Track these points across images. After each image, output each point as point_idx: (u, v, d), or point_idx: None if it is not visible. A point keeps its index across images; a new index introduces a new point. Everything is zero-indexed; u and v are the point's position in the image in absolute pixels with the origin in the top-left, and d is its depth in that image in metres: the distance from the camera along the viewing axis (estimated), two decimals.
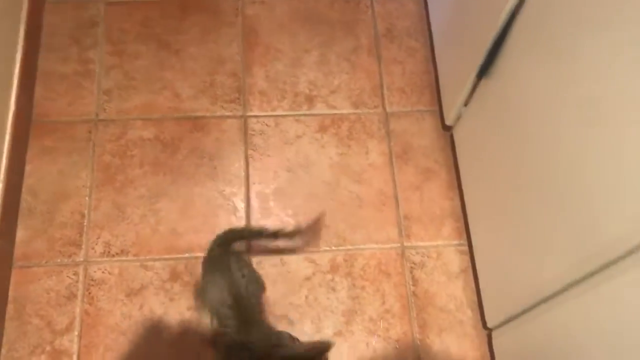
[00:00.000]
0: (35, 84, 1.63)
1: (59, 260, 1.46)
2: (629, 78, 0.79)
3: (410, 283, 1.51)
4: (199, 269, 1.46)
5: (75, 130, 1.60)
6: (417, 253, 1.54)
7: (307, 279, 1.49)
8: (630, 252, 0.83)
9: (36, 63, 1.65)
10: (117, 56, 1.69)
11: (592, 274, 0.93)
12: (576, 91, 0.93)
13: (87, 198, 1.53)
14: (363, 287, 1.49)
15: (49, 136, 1.58)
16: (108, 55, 1.69)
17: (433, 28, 1.73)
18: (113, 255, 1.48)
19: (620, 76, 0.81)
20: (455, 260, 1.54)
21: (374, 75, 1.74)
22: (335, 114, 1.68)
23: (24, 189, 1.52)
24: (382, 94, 1.72)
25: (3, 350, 1.37)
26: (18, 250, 1.46)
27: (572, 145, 0.95)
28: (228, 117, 1.65)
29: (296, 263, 1.50)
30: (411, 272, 1.52)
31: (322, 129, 1.66)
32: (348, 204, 1.58)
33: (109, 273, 1.46)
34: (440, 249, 1.55)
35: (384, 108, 1.70)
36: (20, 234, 1.48)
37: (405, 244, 1.55)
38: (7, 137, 1.48)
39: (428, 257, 1.54)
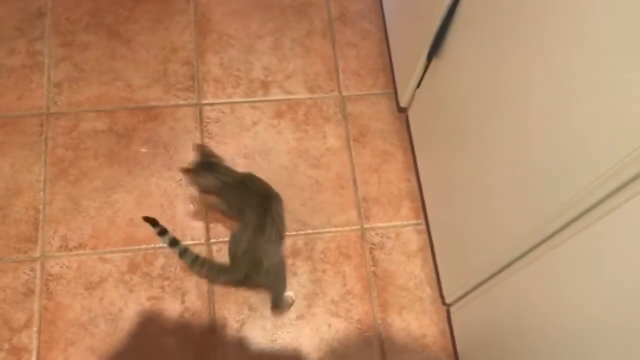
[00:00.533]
0: None
1: (14, 257, 1.44)
2: (565, 54, 0.82)
3: (371, 264, 1.53)
4: (157, 260, 1.46)
5: (26, 124, 1.57)
6: (377, 234, 1.56)
7: None
8: (563, 226, 0.86)
9: None
10: (67, 47, 1.66)
11: (536, 246, 0.96)
12: (517, 68, 0.95)
13: (41, 193, 1.50)
14: (324, 270, 1.51)
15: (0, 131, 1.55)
16: (57, 46, 1.66)
17: (385, 10, 1.74)
18: (70, 250, 1.46)
19: (557, 53, 0.83)
20: (413, 239, 1.56)
21: (328, 59, 1.75)
22: (292, 99, 1.68)
23: None
24: (338, 78, 1.73)
25: None
26: None
27: (514, 122, 0.98)
28: (182, 105, 1.64)
29: None
30: (371, 253, 1.54)
31: (279, 114, 1.66)
32: (307, 188, 1.59)
33: (67, 267, 1.44)
34: (398, 229, 1.57)
35: (339, 92, 1.71)
36: None
37: (364, 225, 1.57)
38: None
39: (387, 237, 1.56)
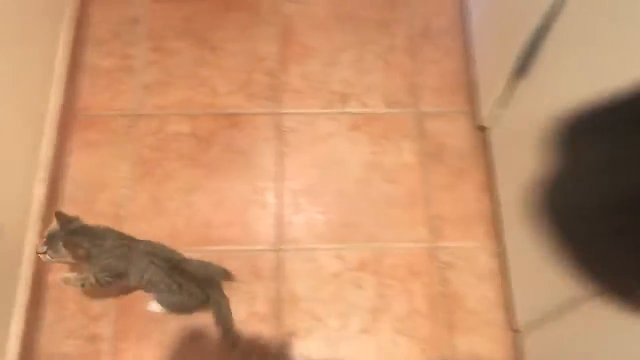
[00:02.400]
0: (80, 77, 1.69)
1: None
2: None
3: (439, 283, 1.50)
4: (229, 262, 1.50)
5: (116, 124, 1.65)
6: (447, 254, 1.54)
7: (335, 275, 1.50)
8: None
9: (82, 57, 1.71)
10: (158, 52, 1.74)
11: None
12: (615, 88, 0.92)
13: (125, 190, 1.58)
14: (391, 286, 1.50)
15: (92, 129, 1.64)
16: (149, 51, 1.74)
17: (470, 27, 1.71)
18: None
19: None
20: (485, 261, 1.53)
21: (409, 74, 1.74)
22: (369, 112, 1.69)
23: (67, 179, 1.58)
24: (417, 94, 1.72)
25: (42, 333, 1.43)
26: None
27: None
28: (262, 114, 1.68)
29: (325, 259, 1.52)
30: (440, 272, 1.52)
31: (355, 127, 1.67)
32: (379, 202, 1.59)
33: None
34: (470, 250, 1.54)
35: (418, 108, 1.70)
36: None
37: (435, 244, 1.55)
38: (53, 128, 1.54)
39: (458, 257, 1.53)
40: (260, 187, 1.59)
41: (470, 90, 1.71)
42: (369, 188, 1.60)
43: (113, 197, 1.57)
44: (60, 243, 1.25)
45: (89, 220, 1.53)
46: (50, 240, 1.26)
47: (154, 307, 1.43)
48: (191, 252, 1.51)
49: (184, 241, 1.52)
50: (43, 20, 1.56)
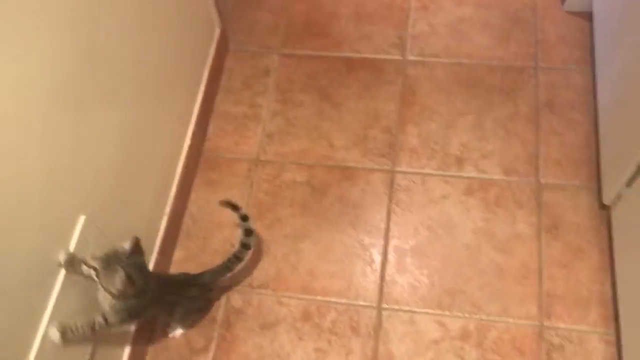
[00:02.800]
0: (210, 121, 1.82)
1: None
2: None
3: None
4: (329, 314, 1.51)
5: (238, 167, 1.74)
6: (557, 335, 1.45)
7: (435, 342, 1.46)
8: None
9: (213, 103, 1.84)
10: (283, 103, 1.83)
11: None
12: None
13: (239, 230, 1.64)
14: None
15: (215, 170, 1.74)
16: (275, 102, 1.84)
17: (599, 103, 1.66)
18: (254, 287, 1.57)
19: None
20: (598, 349, 1.43)
21: (530, 144, 1.70)
22: (485, 178, 1.66)
23: (186, 214, 1.68)
24: (537, 164, 1.67)
25: None
26: (172, 269, 1.61)
27: None
28: (376, 170, 1.70)
29: (425, 323, 1.49)
30: (547, 354, 1.43)
31: (469, 192, 1.65)
32: (487, 272, 1.54)
33: (249, 304, 1.55)
34: (583, 335, 1.45)
35: (537, 178, 1.65)
36: (177, 254, 1.63)
37: (544, 323, 1.47)
38: (180, 166, 1.65)
39: (569, 341, 1.44)
40: (368, 242, 1.60)
41: (592, 167, 1.64)
42: (478, 256, 1.56)
43: (227, 236, 1.64)
44: (120, 268, 1.09)
45: (203, 255, 1.61)
46: (107, 259, 1.10)
47: (178, 332, 1.50)
48: (294, 299, 1.54)
49: (287, 287, 1.56)
50: (190, 69, 1.71)
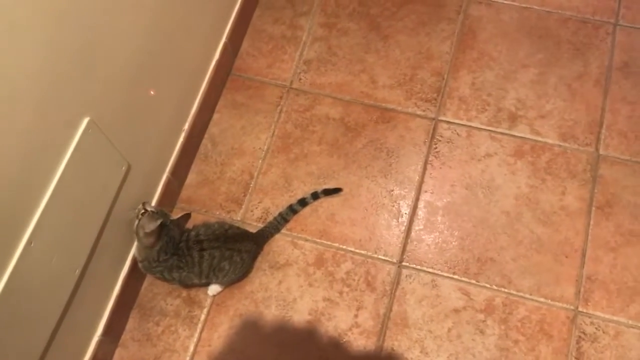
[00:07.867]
0: (244, 38, 1.66)
1: (217, 213, 1.47)
2: None
3: (574, 354, 1.29)
4: (344, 264, 1.39)
5: (268, 93, 1.59)
6: (592, 323, 1.31)
7: (456, 311, 1.34)
8: None
9: (250, 18, 1.67)
10: (327, 28, 1.66)
11: None
12: None
13: (260, 161, 1.52)
14: (516, 341, 1.30)
15: (242, 92, 1.60)
16: (318, 25, 1.66)
17: None
18: None
19: None
20: (635, 346, 1.29)
21: (594, 109, 1.51)
22: (538, 141, 1.49)
23: (206, 135, 1.55)
24: (599, 133, 1.49)
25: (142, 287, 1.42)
26: (184, 192, 1.49)
27: None
28: (418, 116, 1.53)
29: (448, 289, 1.36)
30: (578, 343, 1.30)
31: (518, 153, 1.48)
32: (525, 243, 1.39)
33: None
34: (620, 328, 1.30)
35: (596, 149, 1.47)
36: (191, 178, 1.51)
37: (580, 308, 1.33)
38: (205, 82, 1.51)
39: (603, 332, 1.30)
40: (397, 193, 1.46)
41: None
42: (517, 224, 1.41)
43: (246, 166, 1.51)
44: (160, 220, 1.21)
45: (218, 182, 1.50)
46: (158, 211, 1.25)
47: (214, 289, 1.38)
48: (309, 242, 1.42)
49: (304, 228, 1.43)
50: None
